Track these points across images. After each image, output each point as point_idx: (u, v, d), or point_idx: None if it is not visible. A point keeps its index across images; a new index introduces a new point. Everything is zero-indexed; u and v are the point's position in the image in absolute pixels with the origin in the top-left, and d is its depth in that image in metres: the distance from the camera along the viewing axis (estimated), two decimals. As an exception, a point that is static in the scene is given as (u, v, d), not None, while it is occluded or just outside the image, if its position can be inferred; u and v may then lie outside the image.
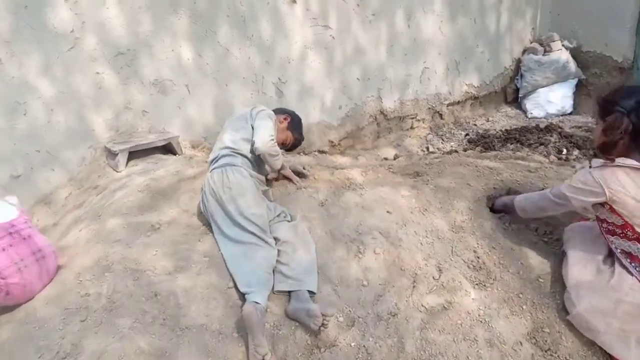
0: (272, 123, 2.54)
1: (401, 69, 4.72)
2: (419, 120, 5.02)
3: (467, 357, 1.98)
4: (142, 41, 3.18)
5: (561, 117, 5.32)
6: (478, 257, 2.35)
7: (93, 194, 2.90)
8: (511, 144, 4.46)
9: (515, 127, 4.98)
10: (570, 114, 5.41)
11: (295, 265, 2.21)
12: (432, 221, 2.53)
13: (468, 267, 2.31)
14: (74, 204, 2.91)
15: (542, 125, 4.81)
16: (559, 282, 2.22)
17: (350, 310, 2.13)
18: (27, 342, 1.83)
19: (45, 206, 2.96)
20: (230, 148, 2.49)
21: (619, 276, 1.99)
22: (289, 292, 2.16)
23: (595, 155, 2.80)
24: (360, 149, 4.59)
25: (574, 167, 3.34)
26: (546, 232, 2.52)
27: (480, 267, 2.31)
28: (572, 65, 5.42)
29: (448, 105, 5.20)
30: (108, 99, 3.12)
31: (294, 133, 2.82)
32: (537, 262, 2.35)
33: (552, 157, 3.89)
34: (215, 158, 2.51)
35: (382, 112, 4.70)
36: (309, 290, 2.14)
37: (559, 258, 2.32)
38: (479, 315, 2.12)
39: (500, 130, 4.91)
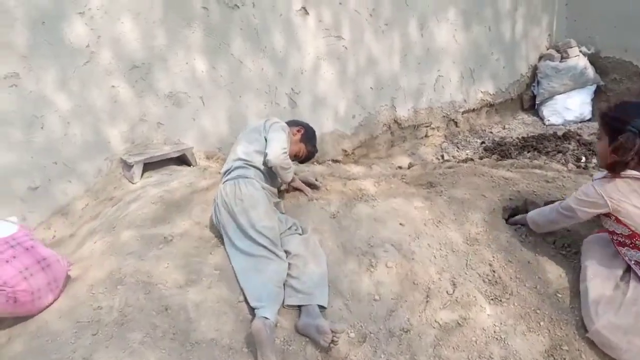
0: (285, 135, 2.54)
1: (415, 77, 4.70)
2: (433, 129, 4.98)
3: (482, 375, 1.93)
4: (156, 55, 3.22)
5: (579, 124, 5.23)
6: (494, 271, 2.29)
7: (109, 205, 2.93)
8: (528, 151, 4.38)
9: (532, 134, 4.91)
10: (589, 120, 5.30)
11: (306, 279, 2.18)
12: (446, 233, 2.48)
13: (483, 281, 2.25)
14: (90, 215, 2.95)
15: (559, 133, 4.73)
16: (577, 297, 2.15)
17: (361, 326, 2.09)
18: (39, 356, 1.84)
19: (63, 217, 3.01)
20: (243, 160, 2.50)
21: (634, 289, 1.94)
22: (299, 306, 2.14)
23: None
24: (375, 157, 4.56)
25: (592, 175, 3.25)
26: (564, 245, 2.44)
27: (495, 282, 2.25)
28: (591, 72, 5.32)
29: (463, 113, 5.15)
30: (123, 111, 3.16)
31: (307, 145, 2.81)
32: (555, 276, 2.28)
33: (571, 165, 3.80)
34: (228, 170, 2.52)
35: (396, 121, 4.68)
36: (319, 305, 2.11)
37: (577, 272, 2.25)
38: (494, 332, 2.06)
39: (517, 138, 4.84)
